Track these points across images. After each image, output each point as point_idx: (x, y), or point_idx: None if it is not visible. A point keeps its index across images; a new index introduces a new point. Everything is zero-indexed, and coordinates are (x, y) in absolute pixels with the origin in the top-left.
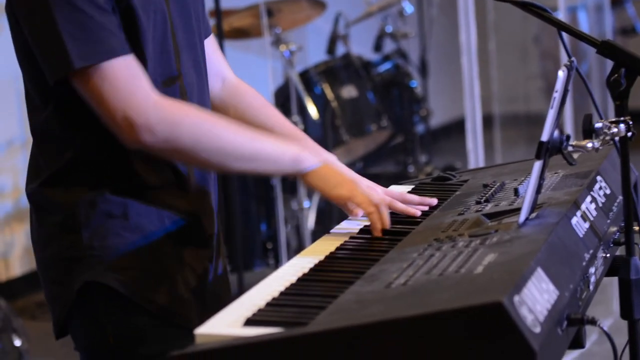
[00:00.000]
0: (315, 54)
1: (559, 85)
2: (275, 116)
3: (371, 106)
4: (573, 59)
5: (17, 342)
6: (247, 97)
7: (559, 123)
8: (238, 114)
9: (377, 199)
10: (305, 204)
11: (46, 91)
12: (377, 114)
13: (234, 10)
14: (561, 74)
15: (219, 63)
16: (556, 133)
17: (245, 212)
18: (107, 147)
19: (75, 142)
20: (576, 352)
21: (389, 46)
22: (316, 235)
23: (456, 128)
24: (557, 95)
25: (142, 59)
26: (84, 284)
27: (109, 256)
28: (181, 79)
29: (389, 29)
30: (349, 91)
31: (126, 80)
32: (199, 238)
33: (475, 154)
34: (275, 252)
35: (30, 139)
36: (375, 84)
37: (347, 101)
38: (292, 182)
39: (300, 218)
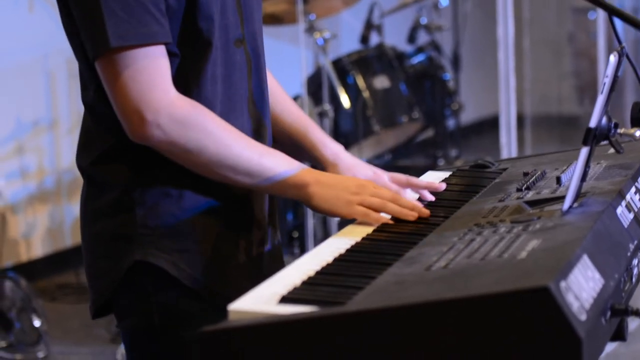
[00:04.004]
0: (348, 43)
1: (610, 71)
2: (286, 102)
3: (403, 97)
4: (624, 44)
5: (37, 323)
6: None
7: (607, 109)
8: None
9: (378, 202)
10: None
11: (92, 68)
12: (409, 106)
13: None
14: (612, 59)
15: None
16: (604, 120)
17: None
18: None
19: None
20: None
21: (422, 38)
22: (342, 225)
23: (487, 125)
24: (607, 81)
25: (210, 15)
26: (134, 263)
27: (162, 236)
28: (245, 44)
29: (424, 20)
30: (382, 81)
31: (150, 73)
32: (252, 221)
33: (509, 149)
34: (301, 241)
35: (57, 121)
36: (408, 76)
37: (379, 91)
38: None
39: None
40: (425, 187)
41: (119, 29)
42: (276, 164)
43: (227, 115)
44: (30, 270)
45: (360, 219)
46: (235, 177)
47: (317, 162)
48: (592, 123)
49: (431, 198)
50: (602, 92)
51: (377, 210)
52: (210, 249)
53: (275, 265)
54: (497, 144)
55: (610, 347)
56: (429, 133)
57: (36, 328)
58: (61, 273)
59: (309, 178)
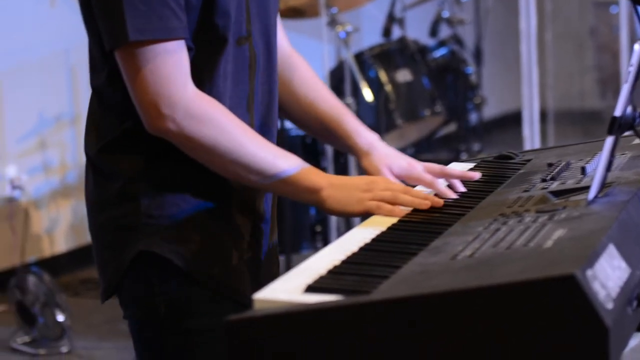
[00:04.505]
0: (369, 37)
1: (635, 60)
2: (321, 90)
3: (425, 91)
4: None
5: (60, 318)
6: (296, 70)
7: (632, 99)
8: (286, 85)
9: (389, 195)
10: None
11: (106, 53)
12: (432, 99)
13: None
14: (637, 47)
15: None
16: (629, 109)
17: None
18: None
19: (135, 111)
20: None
21: (444, 32)
22: (365, 219)
23: (510, 120)
24: (632, 70)
25: (227, 11)
26: (139, 253)
27: (166, 226)
28: (250, 41)
29: (446, 14)
30: (404, 75)
31: (168, 67)
32: (256, 212)
33: (531, 143)
34: (324, 235)
35: (79, 116)
36: (430, 69)
37: (401, 85)
38: (342, 165)
39: None
40: (459, 177)
41: (138, 22)
42: (290, 166)
43: (233, 112)
44: (54, 265)
45: (373, 212)
46: (247, 176)
47: (350, 151)
48: (617, 112)
49: (462, 189)
50: (627, 81)
51: (390, 202)
52: (213, 239)
53: (273, 260)
54: (519, 138)
55: (635, 341)
56: (452, 127)
57: (59, 323)
58: (84, 268)
59: (321, 182)
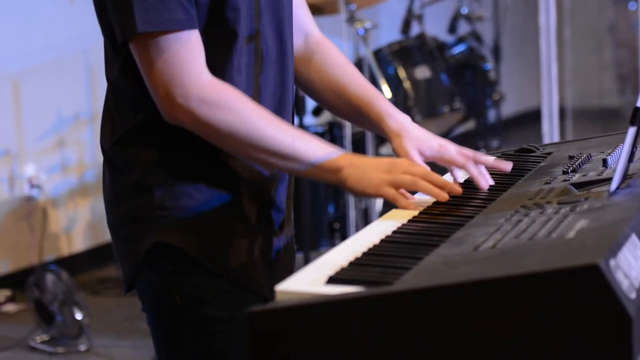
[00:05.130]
0: (388, 34)
1: None
2: (352, 73)
3: (444, 88)
4: None
5: (79, 316)
6: (326, 54)
7: None
8: (317, 69)
9: (409, 180)
10: None
11: (117, 46)
12: (450, 96)
13: None
14: None
15: (303, 18)
16: None
17: (314, 192)
18: None
19: (147, 103)
20: None
21: (463, 28)
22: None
23: (529, 117)
24: None
25: (237, 5)
26: (154, 245)
27: (180, 217)
28: (259, 39)
29: (464, 10)
30: (423, 72)
31: (181, 56)
32: (269, 203)
33: (551, 138)
34: (342, 232)
35: (97, 114)
36: (449, 66)
37: (420, 82)
38: None
39: (368, 200)
40: (490, 166)
41: (146, 14)
42: (310, 147)
43: None
44: (72, 264)
45: (389, 201)
46: (268, 159)
47: (382, 133)
48: None
49: (491, 182)
50: None
51: (408, 188)
52: (227, 230)
53: (288, 253)
54: (538, 135)
55: None
56: (470, 124)
57: (78, 321)
58: (102, 267)
59: (342, 161)
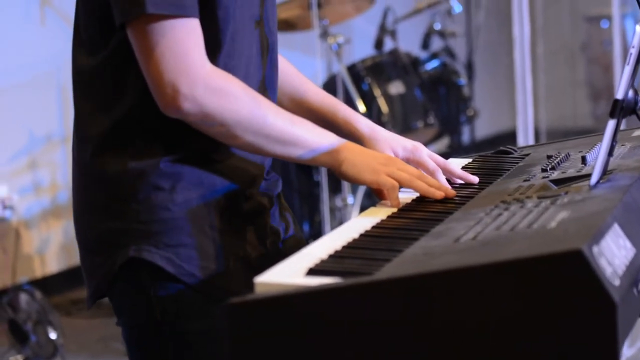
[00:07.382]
0: (361, 49)
1: (636, 41)
2: (308, 82)
3: (418, 103)
4: None
5: (53, 335)
6: (281, 64)
7: (633, 82)
8: None
9: (406, 177)
10: (349, 200)
11: (111, 30)
12: (424, 111)
13: (282, 2)
14: (639, 28)
15: None
16: (631, 93)
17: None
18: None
19: (129, 92)
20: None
21: (436, 44)
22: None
23: (503, 139)
24: (633, 52)
25: None
26: (129, 259)
27: (156, 231)
28: (262, 24)
29: (437, 26)
30: (397, 87)
31: (185, 45)
32: (253, 211)
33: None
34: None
35: (70, 135)
36: (422, 81)
37: (394, 97)
38: (335, 179)
39: (344, 215)
40: (459, 177)
41: None
42: (308, 131)
43: None
44: (45, 286)
45: (382, 189)
46: (268, 146)
47: (352, 136)
48: (619, 95)
49: (460, 181)
50: (628, 62)
51: (404, 185)
52: (206, 242)
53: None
54: None
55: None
56: (444, 143)
57: (52, 341)
58: (76, 288)
59: (341, 146)
